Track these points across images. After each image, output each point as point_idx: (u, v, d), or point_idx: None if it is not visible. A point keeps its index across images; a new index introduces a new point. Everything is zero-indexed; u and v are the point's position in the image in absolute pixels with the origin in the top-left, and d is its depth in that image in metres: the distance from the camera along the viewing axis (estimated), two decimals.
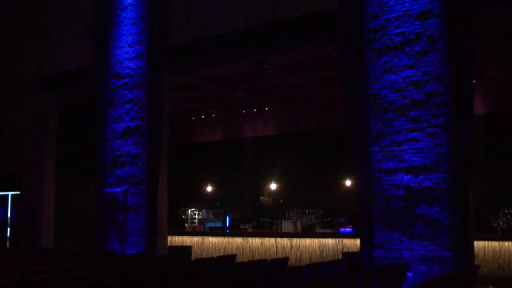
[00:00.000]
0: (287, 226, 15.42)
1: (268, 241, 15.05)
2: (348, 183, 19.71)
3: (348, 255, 12.09)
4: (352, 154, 10.55)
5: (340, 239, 13.89)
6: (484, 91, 15.82)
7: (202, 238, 16.32)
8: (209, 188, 23.25)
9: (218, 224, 19.80)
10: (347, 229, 14.11)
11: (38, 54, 17.33)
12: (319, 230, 14.92)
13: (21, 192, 17.35)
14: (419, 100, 9.89)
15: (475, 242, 10.22)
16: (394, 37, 10.25)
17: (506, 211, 13.78)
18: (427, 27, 9.91)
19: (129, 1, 14.66)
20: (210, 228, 18.17)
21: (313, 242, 14.31)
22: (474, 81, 9.62)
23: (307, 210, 17.45)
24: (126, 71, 14.45)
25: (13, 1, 18.63)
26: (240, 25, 12.61)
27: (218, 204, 22.43)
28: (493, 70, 14.76)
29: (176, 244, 16.31)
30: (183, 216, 19.93)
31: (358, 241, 10.94)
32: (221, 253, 15.38)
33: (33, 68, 17.35)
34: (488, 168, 17.24)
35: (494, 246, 11.89)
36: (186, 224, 18.86)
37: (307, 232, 14.98)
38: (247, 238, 15.40)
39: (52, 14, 17.19)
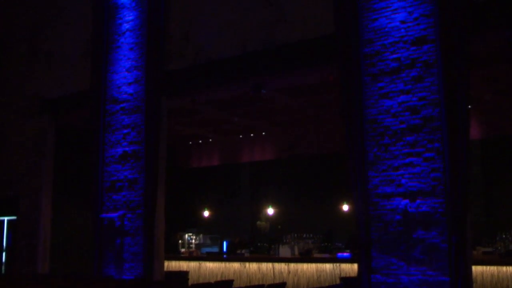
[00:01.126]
0: (284, 251, 15.36)
1: (266, 266, 14.96)
2: (345, 207, 19.69)
3: (346, 280, 12.02)
4: (349, 179, 10.56)
5: (338, 264, 13.83)
6: (481, 116, 15.90)
7: (199, 263, 16.23)
8: (206, 213, 23.18)
9: (215, 249, 19.70)
10: (345, 254, 14.05)
11: (36, 78, 17.40)
12: (316, 255, 14.86)
13: (17, 217, 17.26)
14: (415, 125, 9.94)
15: (473, 267, 10.19)
16: (390, 63, 10.34)
17: (504, 236, 13.77)
18: (423, 52, 10.00)
19: (127, 27, 14.77)
20: (207, 253, 18.08)
21: (311, 267, 14.23)
22: (470, 106, 9.68)
23: (305, 234, 17.39)
24: (124, 96, 14.51)
25: (12, 25, 18.76)
26: (237, 50, 12.71)
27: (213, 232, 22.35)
28: (489, 95, 14.85)
29: (173, 269, 16.21)
30: (180, 241, 19.85)
31: (356, 266, 10.90)
32: (218, 279, 15.27)
33: (31, 92, 17.41)
34: (486, 193, 17.26)
35: (493, 271, 11.84)
36: (183, 249, 18.77)
37: (305, 257, 14.90)
38: (244, 263, 15.31)
39: (51, 38, 17.30)
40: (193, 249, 19.20)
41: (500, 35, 10.26)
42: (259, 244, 19.03)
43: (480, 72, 12.88)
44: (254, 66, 12.53)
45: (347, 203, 19.32)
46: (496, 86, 14.41)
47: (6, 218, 18.09)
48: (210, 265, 15.97)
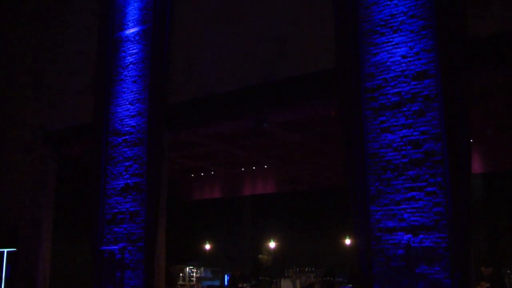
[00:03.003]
0: (286, 284, 15.23)
1: None
2: (347, 241, 19.56)
3: None
4: (351, 213, 10.51)
5: None
6: (482, 150, 15.92)
7: None
8: (207, 246, 23.03)
9: (217, 283, 19.52)
10: None
11: (39, 110, 17.47)
12: None
13: (17, 249, 17.15)
14: (417, 159, 9.93)
15: None
16: (391, 97, 10.39)
17: (508, 271, 13.64)
18: (424, 87, 10.05)
19: (130, 60, 14.90)
20: (208, 286, 17.92)
21: None
22: (471, 141, 9.69)
23: (306, 268, 17.26)
24: (126, 129, 14.56)
25: (16, 58, 18.93)
26: (239, 84, 12.77)
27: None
28: (490, 129, 14.89)
29: None
30: (181, 274, 19.68)
31: None
32: None
33: (34, 124, 17.46)
34: (489, 227, 17.16)
35: None
36: (182, 282, 18.60)
37: None
38: None
39: (55, 72, 17.42)
40: (194, 282, 19.03)
41: (500, 70, 10.33)
42: (260, 277, 18.87)
43: (481, 107, 12.95)
44: (256, 100, 12.58)
45: (349, 237, 19.19)
46: (497, 121, 14.46)
47: (5, 250, 17.97)
48: None
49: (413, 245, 9.76)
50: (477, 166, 16.11)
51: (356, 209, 10.42)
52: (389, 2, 10.73)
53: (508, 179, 16.75)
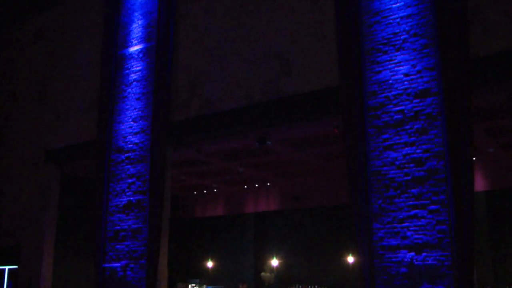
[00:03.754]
0: None
1: None
2: (350, 259, 19.47)
3: None
4: (354, 231, 10.48)
5: None
6: (485, 168, 15.92)
7: None
8: (209, 264, 22.95)
9: None
10: None
11: (43, 127, 17.53)
12: None
13: (18, 266, 17.12)
14: (420, 177, 9.93)
15: None
16: (394, 115, 10.41)
17: None
18: (426, 105, 10.08)
19: (134, 77, 14.98)
20: None
21: None
22: (474, 159, 9.69)
23: (309, 286, 17.17)
24: (129, 146, 14.59)
25: (20, 76, 19.04)
26: (242, 102, 12.81)
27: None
28: (493, 147, 14.89)
29: None
30: None
31: None
32: None
33: (38, 141, 17.52)
34: (492, 245, 17.08)
35: None
36: None
37: None
38: None
39: (59, 89, 17.51)
40: None
41: (503, 89, 10.37)
42: None
43: (484, 125, 12.96)
44: (259, 118, 12.61)
45: (352, 255, 19.11)
46: (500, 139, 14.47)
47: (7, 267, 17.93)
48: None
49: (416, 263, 9.72)
50: (480, 184, 16.09)
51: (359, 227, 10.39)
52: (391, 21, 10.80)
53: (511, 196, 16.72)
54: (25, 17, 19.24)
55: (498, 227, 17.12)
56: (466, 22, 9.86)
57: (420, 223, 9.82)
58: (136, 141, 14.48)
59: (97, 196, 14.79)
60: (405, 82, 10.41)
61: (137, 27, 15.27)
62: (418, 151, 10.01)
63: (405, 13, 10.67)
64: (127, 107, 14.94)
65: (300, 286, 17.26)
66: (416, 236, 9.84)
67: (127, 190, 14.37)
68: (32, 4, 18.67)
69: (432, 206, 9.72)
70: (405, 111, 10.29)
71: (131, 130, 14.65)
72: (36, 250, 16.47)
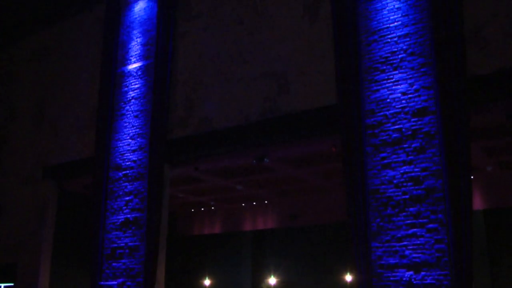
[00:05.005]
0: None
1: None
2: (348, 278, 19.37)
3: None
4: (352, 249, 10.45)
5: None
6: (483, 186, 15.91)
7: None
8: (207, 282, 22.81)
9: None
10: None
11: (41, 144, 17.52)
12: None
13: (14, 284, 16.99)
14: (418, 196, 9.92)
15: None
16: (392, 133, 10.43)
17: None
18: (424, 124, 10.10)
19: (133, 95, 15.01)
20: None
21: None
22: (472, 177, 9.69)
23: None
24: (127, 163, 14.58)
25: (18, 92, 19.07)
26: (240, 120, 12.82)
27: None
28: (491, 166, 14.91)
29: None
30: None
31: None
32: None
33: (35, 158, 17.49)
34: (491, 264, 17.03)
35: None
36: None
37: None
38: None
39: (57, 106, 17.52)
40: None
41: (500, 107, 10.40)
42: None
43: (482, 144, 12.98)
44: (257, 136, 12.61)
45: (350, 274, 19.02)
46: (498, 158, 14.48)
47: (3, 285, 17.80)
48: None
49: (414, 282, 9.67)
50: (478, 203, 16.07)
51: (357, 246, 10.36)
52: (389, 40, 10.87)
53: (510, 215, 16.70)
54: (24, 35, 19.31)
55: (496, 245, 17.07)
56: (463, 41, 9.92)
57: (418, 241, 9.79)
58: (134, 158, 14.47)
59: (94, 213, 14.75)
60: (403, 101, 10.44)
61: (136, 45, 15.34)
62: (416, 169, 10.02)
63: (402, 32, 10.74)
64: (125, 124, 14.96)
65: None
66: (415, 255, 9.81)
67: (124, 207, 14.33)
68: (31, 22, 18.76)
69: (431, 225, 9.70)
70: (403, 129, 10.32)
71: (129, 148, 14.66)
72: (32, 267, 16.37)
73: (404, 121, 10.33)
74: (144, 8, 15.44)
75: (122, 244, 14.11)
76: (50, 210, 16.68)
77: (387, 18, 10.99)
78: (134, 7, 15.73)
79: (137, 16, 15.57)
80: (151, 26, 15.10)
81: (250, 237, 22.58)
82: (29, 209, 17.08)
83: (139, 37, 15.29)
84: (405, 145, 10.24)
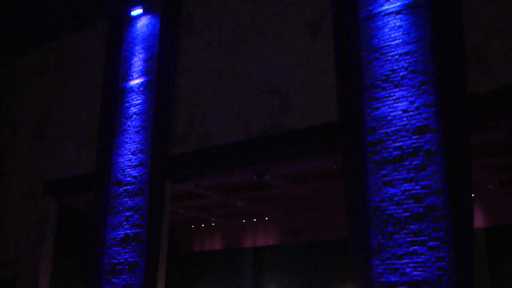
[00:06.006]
0: None
1: None
2: None
3: None
4: (353, 267, 10.40)
5: None
6: (484, 204, 15.88)
7: None
8: None
9: None
10: None
11: (41, 159, 17.52)
12: None
13: None
14: (419, 214, 9.89)
15: None
16: (393, 151, 10.43)
17: None
18: (425, 141, 10.10)
19: (134, 110, 15.04)
20: None
21: None
22: (473, 195, 9.66)
23: None
24: (128, 179, 14.57)
25: (20, 107, 19.11)
26: (241, 136, 12.84)
27: None
28: (492, 184, 14.88)
29: None
30: None
31: None
32: None
33: (36, 173, 17.48)
34: (492, 282, 16.93)
35: None
36: None
37: None
38: None
39: (58, 121, 17.55)
40: None
41: (501, 125, 10.41)
42: None
43: (483, 162, 12.97)
44: (258, 153, 12.61)
45: None
46: (499, 175, 14.46)
47: None
48: None
49: None
50: (479, 221, 16.02)
51: (358, 263, 10.31)
52: (390, 58, 10.91)
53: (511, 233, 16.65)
54: (26, 50, 19.40)
55: (498, 264, 16.99)
56: (464, 60, 9.96)
57: (419, 259, 9.75)
58: (135, 174, 14.46)
59: (95, 229, 14.71)
60: (404, 119, 10.45)
61: (138, 61, 15.40)
62: (417, 187, 10.00)
63: (403, 50, 10.78)
64: (126, 140, 14.97)
65: None
66: (415, 273, 9.76)
67: (124, 223, 14.30)
68: (33, 37, 18.85)
69: (432, 243, 9.66)
70: (404, 147, 10.32)
71: (130, 163, 14.65)
72: (32, 283, 16.28)
73: (405, 138, 10.34)
74: (147, 24, 15.53)
75: (122, 260, 14.05)
76: (50, 225, 16.63)
77: (388, 36, 11.04)
78: (136, 23, 15.82)
79: (139, 32, 15.65)
80: (153, 42, 15.18)
81: (250, 254, 22.49)
82: (29, 224, 17.04)
83: (141, 53, 15.36)
84: (406, 163, 10.23)
